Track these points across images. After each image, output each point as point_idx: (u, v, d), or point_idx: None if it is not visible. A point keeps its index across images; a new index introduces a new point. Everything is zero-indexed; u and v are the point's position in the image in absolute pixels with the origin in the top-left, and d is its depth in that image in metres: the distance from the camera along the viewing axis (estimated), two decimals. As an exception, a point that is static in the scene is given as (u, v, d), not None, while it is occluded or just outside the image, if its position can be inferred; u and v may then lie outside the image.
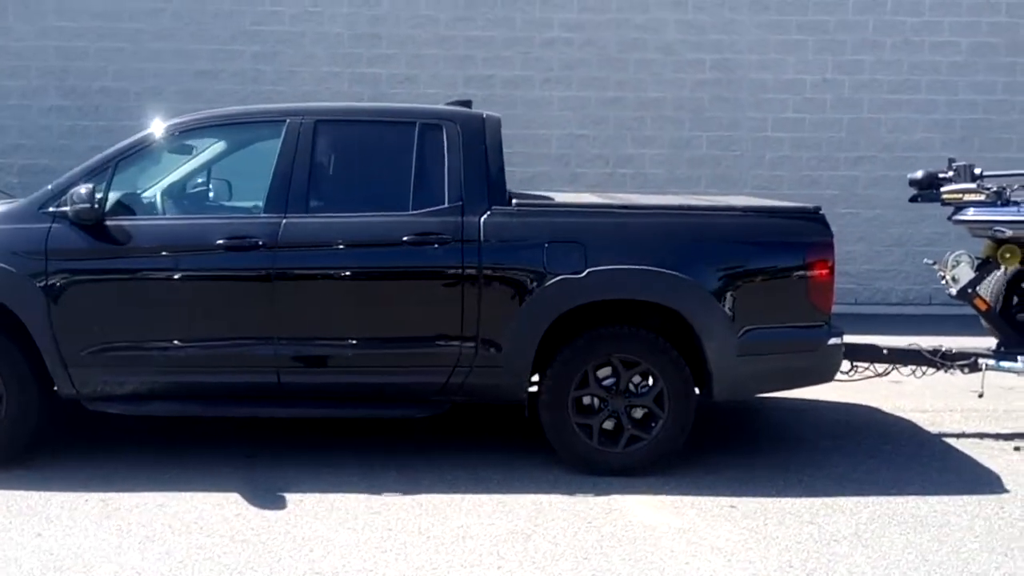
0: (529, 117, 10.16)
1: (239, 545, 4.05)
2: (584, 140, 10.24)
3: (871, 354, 5.85)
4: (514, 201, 4.96)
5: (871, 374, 5.88)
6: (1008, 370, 5.67)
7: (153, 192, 5.08)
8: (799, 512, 4.54)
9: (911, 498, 4.73)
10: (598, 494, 4.71)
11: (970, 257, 5.84)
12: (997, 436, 5.76)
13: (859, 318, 7.89)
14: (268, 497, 4.58)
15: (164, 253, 4.83)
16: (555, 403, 4.90)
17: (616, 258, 4.85)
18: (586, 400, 4.96)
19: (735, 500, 4.67)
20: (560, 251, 4.84)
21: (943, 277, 5.87)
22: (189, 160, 5.16)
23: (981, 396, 5.74)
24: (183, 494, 4.58)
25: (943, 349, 5.82)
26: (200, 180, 5.24)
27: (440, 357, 4.87)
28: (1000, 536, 4.29)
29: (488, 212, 4.88)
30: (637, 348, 4.91)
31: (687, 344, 4.94)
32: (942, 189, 5.81)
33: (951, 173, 5.84)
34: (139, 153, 4.95)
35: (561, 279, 4.81)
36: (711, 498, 4.68)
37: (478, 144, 4.98)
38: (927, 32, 10.14)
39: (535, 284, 4.82)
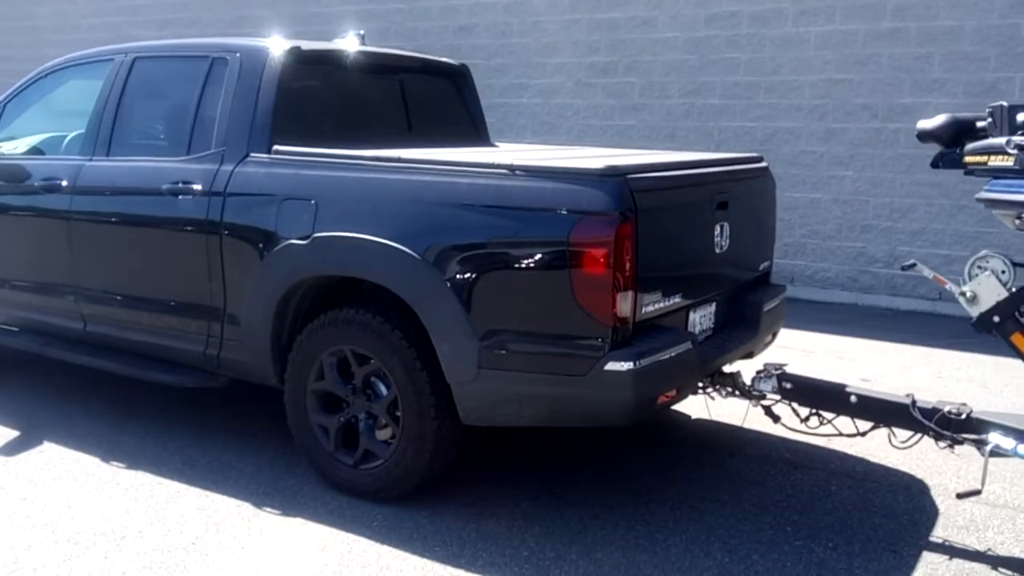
0: (778, 60, 8.31)
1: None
2: (845, 86, 8.04)
3: (834, 401, 3.78)
4: (275, 148, 4.13)
5: (840, 431, 3.81)
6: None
7: (29, 134, 5.24)
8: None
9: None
10: (285, 515, 3.81)
11: (1005, 263, 3.41)
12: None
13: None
14: (28, 444, 4.53)
15: (9, 192, 4.99)
16: (293, 395, 4.05)
17: (344, 223, 3.78)
18: (340, 397, 4.00)
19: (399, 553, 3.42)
20: (294, 210, 3.93)
21: (960, 294, 3.50)
22: (63, 102, 5.22)
23: (968, 495, 3.37)
24: (-13, 426, 4.77)
25: (946, 410, 3.52)
26: (62, 121, 5.24)
27: (194, 324, 4.32)
28: None
29: (242, 160, 4.16)
30: (367, 340, 3.80)
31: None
32: (965, 149, 3.45)
33: (988, 120, 3.43)
34: (23, 94, 5.14)
35: (286, 245, 3.92)
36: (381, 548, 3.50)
37: (252, 82, 4.24)
38: None
39: (266, 249, 4.00)
